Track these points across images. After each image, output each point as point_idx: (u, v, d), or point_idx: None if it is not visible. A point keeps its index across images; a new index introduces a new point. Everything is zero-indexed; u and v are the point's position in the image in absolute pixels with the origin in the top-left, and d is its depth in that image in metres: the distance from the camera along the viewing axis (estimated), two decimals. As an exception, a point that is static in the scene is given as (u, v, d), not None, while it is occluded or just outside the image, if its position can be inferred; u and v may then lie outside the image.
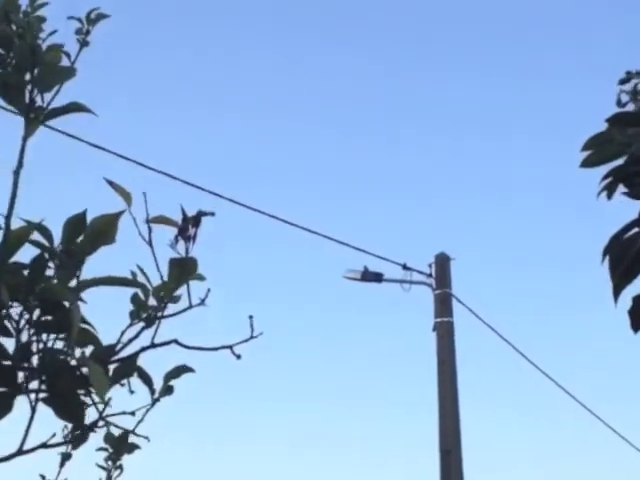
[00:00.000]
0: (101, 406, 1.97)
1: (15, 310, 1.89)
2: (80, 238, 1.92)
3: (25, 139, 1.83)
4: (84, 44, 1.89)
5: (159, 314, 1.96)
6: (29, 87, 1.84)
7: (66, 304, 1.87)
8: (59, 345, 1.93)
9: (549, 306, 20.73)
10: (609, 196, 2.56)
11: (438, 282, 11.51)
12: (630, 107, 2.54)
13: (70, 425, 2.04)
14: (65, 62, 1.88)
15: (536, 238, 21.31)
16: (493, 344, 11.91)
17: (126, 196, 1.90)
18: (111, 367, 1.97)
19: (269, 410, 18.71)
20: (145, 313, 1.96)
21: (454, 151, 21.67)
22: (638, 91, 2.52)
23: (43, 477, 2.63)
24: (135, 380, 2.05)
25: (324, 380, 20.24)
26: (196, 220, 1.94)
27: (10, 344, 1.90)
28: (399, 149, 21.87)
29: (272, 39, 22.68)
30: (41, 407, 1.94)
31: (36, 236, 1.91)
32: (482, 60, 22.43)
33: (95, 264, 1.94)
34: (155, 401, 2.11)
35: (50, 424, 1.99)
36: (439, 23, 22.78)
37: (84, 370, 1.90)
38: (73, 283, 1.92)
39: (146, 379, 2.07)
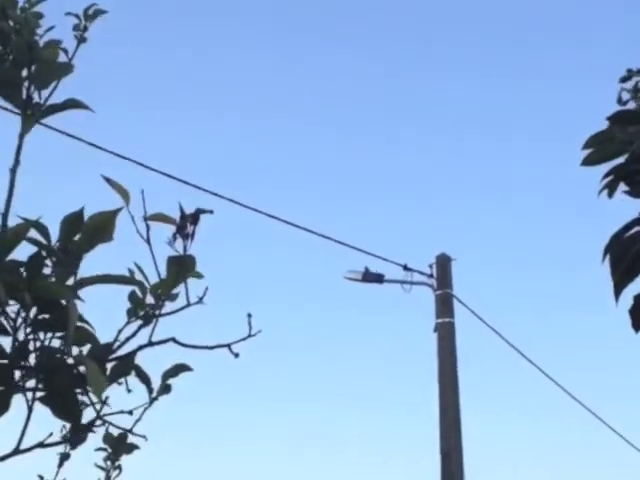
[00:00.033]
0: (98, 405, 1.96)
1: (12, 308, 1.88)
2: (78, 236, 1.90)
3: (22, 136, 1.82)
4: (82, 40, 1.88)
5: (157, 312, 1.95)
6: (26, 83, 1.83)
7: (63, 302, 1.86)
8: (56, 343, 1.92)
9: (550, 306, 20.75)
10: (610, 195, 2.55)
11: (439, 283, 11.50)
12: (631, 105, 2.53)
13: (68, 425, 2.04)
14: (63, 59, 1.87)
15: (537, 238, 21.34)
16: (494, 345, 11.91)
17: (124, 193, 1.89)
18: (108, 366, 1.96)
19: (269, 410, 18.73)
20: (142, 311, 1.94)
21: (454, 151, 21.68)
22: (639, 89, 2.51)
23: (41, 477, 2.63)
24: (133, 379, 2.04)
25: (325, 380, 20.26)
26: (194, 218, 1.93)
27: (7, 342, 1.89)
28: (399, 149, 21.89)
29: (272, 39, 22.71)
30: (39, 407, 1.93)
31: (33, 234, 1.90)
32: (482, 60, 22.45)
33: (93, 262, 1.93)
34: (153, 400, 2.10)
35: (48, 424, 1.99)
36: (439, 23, 22.80)
37: (81, 369, 1.89)
38: (70, 281, 1.91)
39: (144, 378, 2.06)
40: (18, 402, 1.92)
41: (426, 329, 11.46)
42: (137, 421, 2.11)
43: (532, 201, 21.51)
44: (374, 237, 21.35)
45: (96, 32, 1.91)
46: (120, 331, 1.95)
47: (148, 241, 1.92)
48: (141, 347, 1.96)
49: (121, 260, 1.95)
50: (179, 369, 2.10)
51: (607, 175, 2.54)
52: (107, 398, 1.97)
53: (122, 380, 2.01)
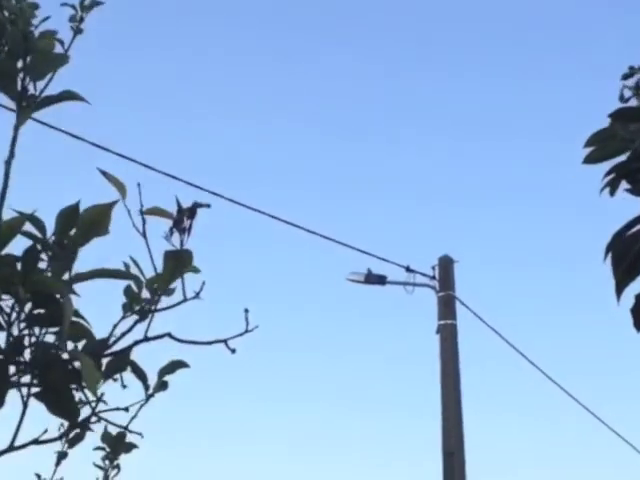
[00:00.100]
0: (93, 401, 1.95)
1: (7, 303, 1.86)
2: (73, 230, 1.89)
3: (17, 128, 1.81)
4: (78, 31, 1.86)
5: (152, 307, 1.93)
6: (21, 75, 1.82)
7: (58, 297, 1.85)
8: (51, 339, 1.91)
9: (553, 308, 20.74)
10: (612, 193, 2.53)
11: (441, 284, 11.50)
12: (633, 102, 2.51)
13: (66, 423, 2.02)
14: (59, 50, 1.85)
15: (539, 239, 21.32)
16: (496, 346, 11.91)
17: (120, 187, 1.87)
18: (104, 361, 1.94)
19: (270, 410, 18.74)
20: (138, 306, 1.93)
21: (456, 152, 21.67)
22: (641, 86, 2.50)
23: (39, 476, 2.62)
24: (128, 375, 2.02)
25: (327, 382, 20.25)
26: (191, 212, 1.91)
27: (1, 338, 1.87)
28: (401, 150, 21.89)
29: (272, 39, 22.72)
30: (35, 404, 1.91)
31: (28, 227, 1.88)
32: (482, 60, 22.45)
33: (88, 256, 1.91)
34: (149, 397, 2.08)
35: (44, 420, 1.97)
36: (439, 23, 22.79)
37: (76, 364, 1.87)
38: (66, 276, 1.89)
39: (140, 374, 2.04)
40: (13, 398, 1.90)
41: (428, 331, 11.47)
42: (133, 418, 2.09)
43: (534, 201, 21.53)
44: (377, 239, 21.33)
45: (96, 32, 1.90)
46: (115, 326, 1.94)
47: (144, 235, 1.90)
48: (137, 342, 1.94)
49: (117, 254, 1.94)
50: (176, 366, 2.08)
51: (609, 173, 2.52)
52: (102, 395, 1.96)
53: (117, 376, 1.99)
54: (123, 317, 1.94)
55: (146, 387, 2.07)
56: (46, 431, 2.00)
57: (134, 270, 1.92)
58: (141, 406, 2.08)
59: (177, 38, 21.76)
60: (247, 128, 21.42)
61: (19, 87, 1.82)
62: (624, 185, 2.52)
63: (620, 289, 2.46)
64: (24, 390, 1.90)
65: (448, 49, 22.67)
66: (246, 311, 1.97)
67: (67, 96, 1.85)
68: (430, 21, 22.85)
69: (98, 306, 2.03)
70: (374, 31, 22.95)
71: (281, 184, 20.95)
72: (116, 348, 1.94)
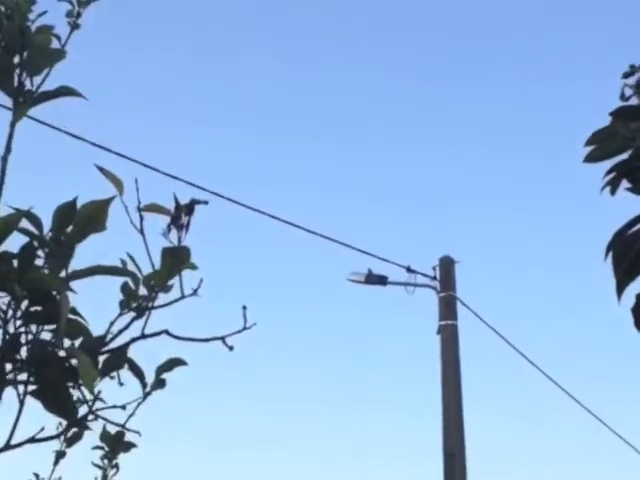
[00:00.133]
0: (90, 399, 1.94)
1: (3, 300, 1.85)
2: (70, 227, 1.88)
3: (13, 124, 1.80)
4: (75, 27, 1.86)
5: (150, 304, 1.92)
6: (18, 70, 1.81)
7: (55, 294, 1.84)
8: (48, 336, 1.90)
9: (553, 308, 20.75)
10: (612, 192, 2.53)
11: (442, 285, 11.50)
12: (634, 101, 2.50)
13: (65, 422, 2.01)
14: (55, 45, 1.85)
15: (540, 240, 21.32)
16: (497, 347, 11.90)
17: (117, 183, 1.86)
18: (101, 359, 1.93)
19: (271, 410, 18.74)
20: (135, 303, 1.92)
21: (457, 152, 21.69)
22: (642, 84, 2.49)
23: (37, 475, 2.62)
24: (126, 373, 2.01)
25: (327, 381, 20.27)
26: (189, 208, 1.90)
27: (-2, 335, 1.86)
28: (402, 151, 21.90)
29: (272, 39, 22.74)
30: (32, 402, 1.90)
31: (25, 224, 1.87)
32: (482, 60, 22.47)
33: (85, 253, 1.90)
34: (147, 395, 2.07)
35: (41, 419, 1.96)
36: (438, 24, 22.79)
37: (73, 362, 1.86)
38: (63, 273, 1.88)
39: (137, 372, 2.03)
40: (9, 396, 1.89)
41: (429, 331, 11.47)
42: (130, 416, 2.08)
43: (534, 201, 21.56)
44: (377, 239, 21.32)
45: (96, 33, 1.89)
46: (112, 323, 1.93)
47: (142, 232, 1.90)
48: (134, 340, 1.93)
49: (114, 251, 1.93)
50: (173, 363, 2.08)
51: (609, 172, 2.51)
52: (100, 393, 1.95)
53: (114, 374, 1.98)
54: (120, 314, 1.93)
55: (143, 385, 2.06)
56: (43, 429, 1.99)
57: (131, 267, 1.91)
58: (139, 404, 2.08)
59: (177, 38, 21.79)
60: (247, 128, 21.44)
61: (16, 82, 1.81)
62: (625, 184, 2.51)
63: (621, 288, 2.45)
64: (21, 388, 1.89)
65: (448, 50, 22.68)
66: (244, 308, 1.96)
67: (64, 92, 1.84)
68: (429, 22, 22.88)
69: (95, 303, 2.03)
70: (374, 31, 22.96)
71: (281, 184, 20.96)
72: (113, 345, 1.93)
